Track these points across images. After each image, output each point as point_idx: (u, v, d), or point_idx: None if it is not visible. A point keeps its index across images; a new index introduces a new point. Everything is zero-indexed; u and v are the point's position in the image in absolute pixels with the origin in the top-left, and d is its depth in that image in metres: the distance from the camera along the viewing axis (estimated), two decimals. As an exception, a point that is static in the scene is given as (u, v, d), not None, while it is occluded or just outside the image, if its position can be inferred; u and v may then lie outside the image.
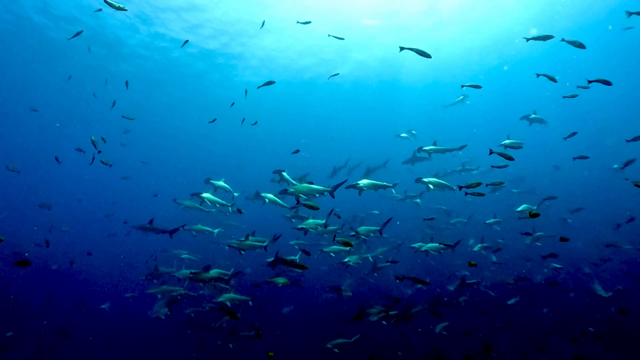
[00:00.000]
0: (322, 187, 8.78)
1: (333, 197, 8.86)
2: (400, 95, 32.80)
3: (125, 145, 22.10)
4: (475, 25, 22.22)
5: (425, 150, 13.17)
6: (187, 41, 15.31)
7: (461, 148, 13.25)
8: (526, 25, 21.75)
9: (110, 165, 11.44)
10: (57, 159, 13.83)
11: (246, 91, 12.05)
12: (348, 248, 10.90)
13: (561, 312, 12.93)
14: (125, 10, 7.34)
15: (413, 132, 19.11)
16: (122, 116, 13.88)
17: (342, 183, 8.86)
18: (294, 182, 11.44)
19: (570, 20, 21.49)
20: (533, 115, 15.95)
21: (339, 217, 9.96)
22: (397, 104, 34.28)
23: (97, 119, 30.86)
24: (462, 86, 10.32)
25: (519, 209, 11.70)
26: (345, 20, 21.18)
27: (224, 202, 11.02)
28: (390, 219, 10.05)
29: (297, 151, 11.51)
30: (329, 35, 12.85)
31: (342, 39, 12.35)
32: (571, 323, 11.85)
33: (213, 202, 11.14)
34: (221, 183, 11.35)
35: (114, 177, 24.97)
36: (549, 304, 13.39)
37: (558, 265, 13.29)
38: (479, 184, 8.04)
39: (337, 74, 14.74)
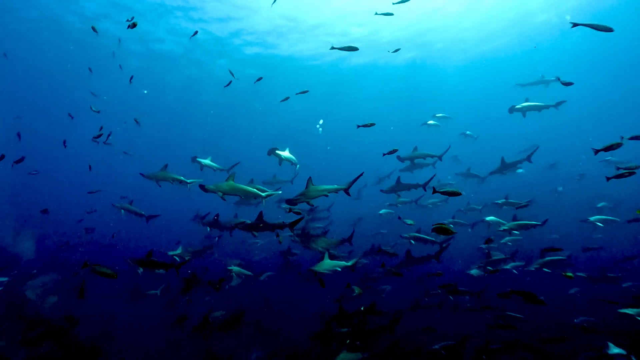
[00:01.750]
0: (335, 186, 7.82)
1: (349, 194, 7.88)
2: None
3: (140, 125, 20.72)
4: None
5: (405, 158, 12.50)
6: (196, 32, 14.26)
7: (444, 153, 12.58)
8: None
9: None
10: (64, 144, 13.59)
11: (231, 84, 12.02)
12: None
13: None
14: (136, 25, 7.87)
15: (440, 115, 15.95)
16: (91, 108, 12.63)
17: (359, 176, 7.76)
18: (284, 157, 10.51)
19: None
20: (519, 105, 13.46)
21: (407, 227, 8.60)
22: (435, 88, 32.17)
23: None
24: (558, 80, 10.14)
25: (489, 218, 10.59)
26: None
27: (182, 177, 9.99)
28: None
29: (372, 124, 9.36)
30: (375, 14, 10.73)
31: (392, 14, 10.43)
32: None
33: (211, 167, 10.95)
34: (208, 161, 11.00)
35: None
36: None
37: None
38: (619, 144, 7.01)
39: (399, 49, 13.21)
